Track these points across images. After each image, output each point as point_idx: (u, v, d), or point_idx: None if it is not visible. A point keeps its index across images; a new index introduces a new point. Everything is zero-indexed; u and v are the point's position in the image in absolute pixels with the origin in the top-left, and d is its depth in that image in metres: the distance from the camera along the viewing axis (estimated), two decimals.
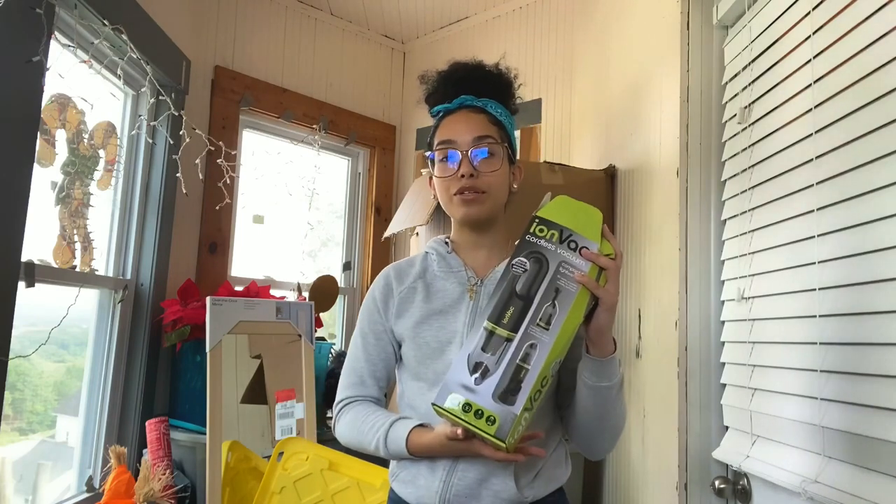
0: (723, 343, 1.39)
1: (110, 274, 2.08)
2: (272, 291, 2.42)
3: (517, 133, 1.23)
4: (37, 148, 1.56)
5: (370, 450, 1.04)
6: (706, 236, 1.44)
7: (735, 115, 1.35)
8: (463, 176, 1.04)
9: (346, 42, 3.09)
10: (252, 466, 1.86)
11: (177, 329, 2.10)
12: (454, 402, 0.86)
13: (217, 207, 2.48)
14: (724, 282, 1.40)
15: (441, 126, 1.12)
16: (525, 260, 0.92)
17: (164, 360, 2.23)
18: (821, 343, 1.05)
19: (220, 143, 2.40)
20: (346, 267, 3.11)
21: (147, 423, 1.99)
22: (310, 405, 2.04)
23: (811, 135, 1.10)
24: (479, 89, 1.11)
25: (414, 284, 1.11)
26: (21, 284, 1.53)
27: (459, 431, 0.88)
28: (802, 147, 1.13)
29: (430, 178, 1.14)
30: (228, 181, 2.43)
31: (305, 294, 2.58)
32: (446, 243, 1.15)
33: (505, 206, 1.13)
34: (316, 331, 2.22)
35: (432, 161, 1.11)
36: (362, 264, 3.14)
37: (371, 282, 3.04)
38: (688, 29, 1.48)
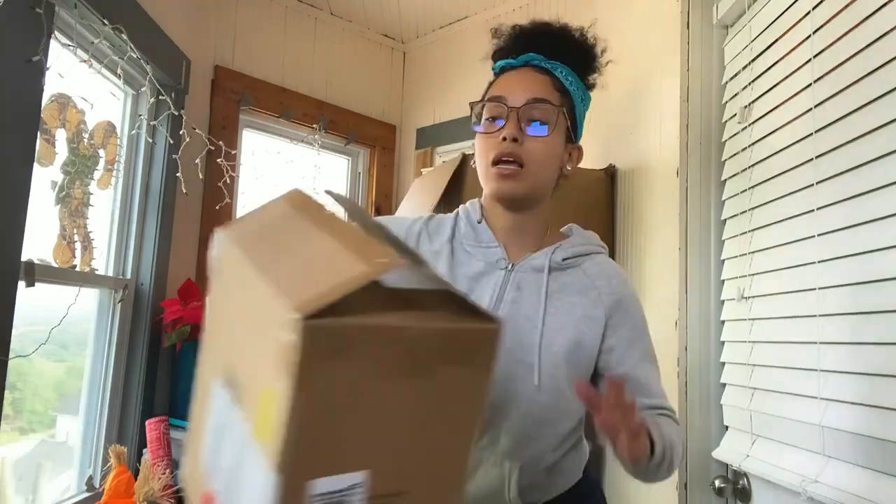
0: (723, 343, 1.39)
1: (110, 273, 2.08)
2: None
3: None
4: (37, 148, 1.56)
5: None
6: (706, 236, 1.44)
7: (735, 114, 1.35)
8: (505, 139, 0.90)
9: (346, 42, 3.09)
10: None
11: (177, 329, 2.10)
12: None
13: (217, 207, 2.48)
14: (724, 281, 1.40)
15: (497, 82, 0.97)
16: None
17: (164, 359, 2.23)
18: (821, 343, 1.05)
19: (220, 142, 2.40)
20: None
21: (147, 423, 1.99)
22: None
23: (811, 134, 1.10)
24: (553, 50, 0.96)
25: (440, 249, 0.96)
26: (21, 284, 1.52)
27: None
28: (802, 147, 1.13)
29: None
30: (228, 181, 2.42)
31: None
32: (481, 208, 0.99)
33: (553, 190, 0.98)
34: None
35: (479, 119, 0.96)
36: None
37: None
38: (688, 29, 1.48)
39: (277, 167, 2.81)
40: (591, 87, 1.02)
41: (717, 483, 1.30)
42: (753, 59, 1.31)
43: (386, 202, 3.17)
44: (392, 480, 0.52)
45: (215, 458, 0.57)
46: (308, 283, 0.48)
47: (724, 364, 1.38)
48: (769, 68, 1.26)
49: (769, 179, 1.24)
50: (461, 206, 1.02)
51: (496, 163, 0.91)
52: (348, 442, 0.50)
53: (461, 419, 0.55)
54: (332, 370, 0.46)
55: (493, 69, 1.02)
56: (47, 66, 1.54)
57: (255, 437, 0.49)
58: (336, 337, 0.46)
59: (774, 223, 1.21)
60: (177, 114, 2.22)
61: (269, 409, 0.46)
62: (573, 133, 0.97)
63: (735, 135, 1.36)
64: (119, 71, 1.88)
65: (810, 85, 1.11)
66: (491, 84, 0.99)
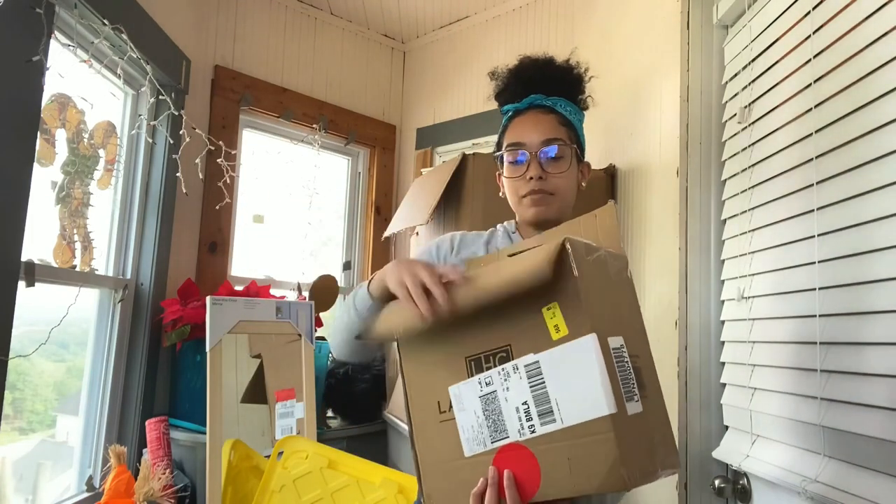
0: (723, 343, 1.39)
1: (110, 273, 2.08)
2: (272, 291, 2.42)
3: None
4: (37, 148, 1.56)
5: (346, 323, 1.02)
6: (706, 236, 1.44)
7: (735, 114, 1.35)
8: (531, 178, 1.06)
9: (346, 42, 3.09)
10: (253, 465, 1.86)
11: (177, 329, 2.10)
12: None
13: (217, 207, 2.48)
14: (724, 281, 1.40)
15: (510, 127, 1.13)
16: None
17: (164, 359, 2.23)
18: (821, 343, 1.05)
19: (220, 142, 2.40)
20: (346, 266, 3.11)
21: (147, 423, 1.99)
22: (310, 405, 2.04)
23: (811, 135, 1.10)
24: (549, 87, 1.11)
25: (475, 251, 1.12)
26: (21, 284, 1.53)
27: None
28: (802, 147, 1.13)
29: (499, 174, 1.15)
30: (228, 181, 2.42)
31: (305, 294, 2.58)
32: (516, 224, 1.16)
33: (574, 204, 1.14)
34: (316, 330, 2.21)
35: (501, 160, 1.13)
36: (362, 264, 3.14)
37: None
38: (688, 28, 1.48)
39: (277, 167, 2.81)
40: (584, 108, 1.17)
41: (717, 483, 1.30)
42: (753, 59, 1.31)
43: (386, 202, 3.17)
44: (632, 346, 0.79)
45: (495, 419, 0.79)
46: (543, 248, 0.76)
47: (724, 364, 1.38)
48: (769, 68, 1.26)
49: (769, 180, 1.23)
50: (498, 224, 1.19)
51: (526, 196, 1.08)
52: (608, 315, 0.77)
53: (636, 310, 0.86)
54: (587, 265, 0.75)
55: (500, 111, 1.17)
56: (47, 66, 1.54)
57: (553, 342, 0.74)
58: (578, 247, 0.75)
59: (774, 223, 1.21)
60: (177, 114, 2.22)
61: (556, 314, 0.74)
62: (581, 153, 1.13)
63: (735, 135, 1.36)
64: (119, 71, 1.88)
65: (810, 85, 1.11)
66: (504, 129, 1.14)
